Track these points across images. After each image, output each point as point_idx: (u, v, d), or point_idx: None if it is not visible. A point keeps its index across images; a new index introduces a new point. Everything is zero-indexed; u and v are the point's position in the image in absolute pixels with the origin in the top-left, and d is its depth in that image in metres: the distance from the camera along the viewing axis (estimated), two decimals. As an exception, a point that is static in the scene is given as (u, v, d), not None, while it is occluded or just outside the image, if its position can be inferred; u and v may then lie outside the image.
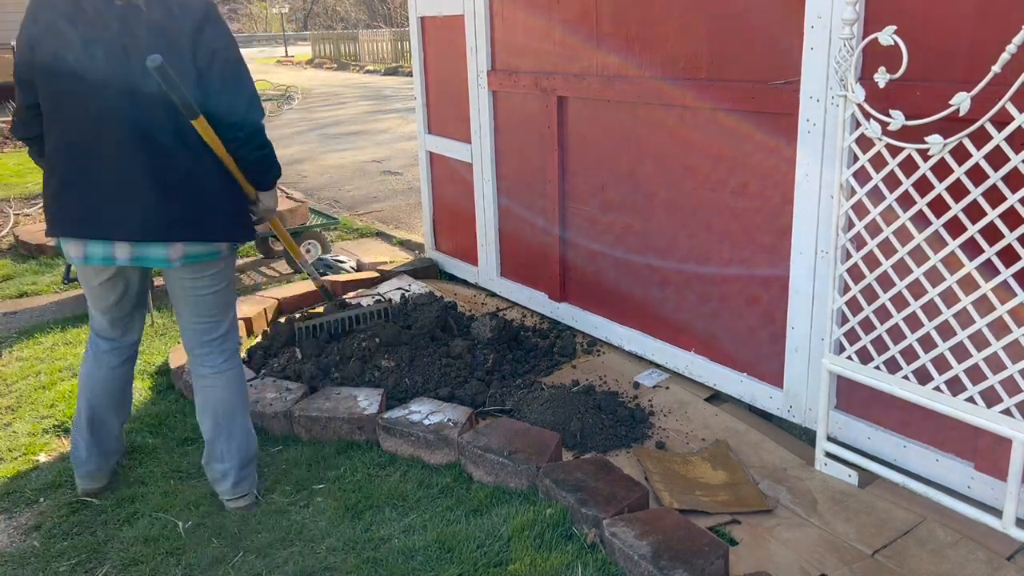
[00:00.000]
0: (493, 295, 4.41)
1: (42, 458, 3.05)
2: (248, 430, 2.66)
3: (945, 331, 2.33)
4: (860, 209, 2.46)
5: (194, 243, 2.41)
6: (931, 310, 2.34)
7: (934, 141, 2.15)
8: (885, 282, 2.43)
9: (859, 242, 2.52)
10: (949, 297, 2.26)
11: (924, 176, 2.24)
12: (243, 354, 3.72)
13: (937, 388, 2.33)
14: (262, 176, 2.55)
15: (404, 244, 5.95)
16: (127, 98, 2.27)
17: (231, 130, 2.36)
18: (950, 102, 2.08)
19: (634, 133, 3.33)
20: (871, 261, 2.46)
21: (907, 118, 2.20)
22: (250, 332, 4.06)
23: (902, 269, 2.37)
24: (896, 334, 2.44)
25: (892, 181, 2.35)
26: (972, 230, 2.14)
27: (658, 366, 3.43)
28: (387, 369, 3.34)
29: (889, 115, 2.22)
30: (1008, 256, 2.09)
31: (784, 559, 2.27)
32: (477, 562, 2.30)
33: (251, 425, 2.70)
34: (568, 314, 3.86)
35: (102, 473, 2.75)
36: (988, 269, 2.13)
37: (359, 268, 5.18)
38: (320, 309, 4.24)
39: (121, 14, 2.25)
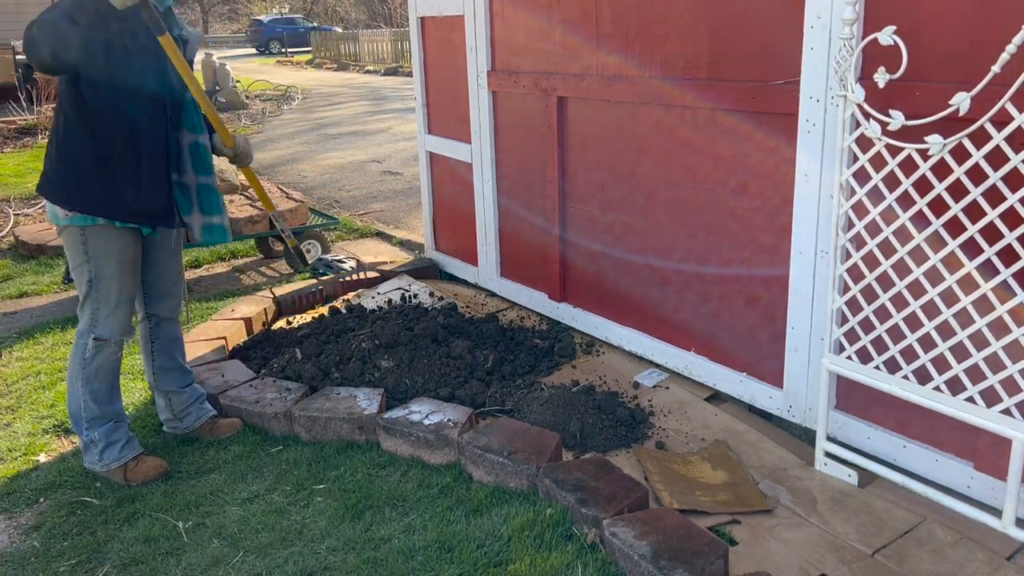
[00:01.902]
0: (493, 295, 4.41)
1: (42, 458, 3.05)
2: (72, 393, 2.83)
3: (945, 331, 2.33)
4: (860, 209, 2.46)
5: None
6: (931, 310, 2.34)
7: (934, 141, 2.15)
8: (885, 282, 2.43)
9: (859, 242, 2.52)
10: (949, 297, 2.26)
11: (924, 176, 2.24)
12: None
13: (937, 388, 2.33)
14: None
15: (404, 244, 5.95)
16: None
17: None
18: (950, 102, 2.09)
19: (634, 133, 3.33)
20: (871, 261, 2.46)
21: (907, 118, 2.20)
22: (250, 332, 4.06)
23: (902, 269, 2.37)
24: (896, 334, 2.44)
25: (892, 181, 2.35)
26: (972, 230, 2.14)
27: (658, 366, 3.43)
28: (387, 369, 3.34)
29: (889, 115, 2.23)
30: (1008, 256, 2.09)
31: (784, 559, 2.27)
32: (477, 562, 2.30)
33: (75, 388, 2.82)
34: (568, 314, 3.86)
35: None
36: (988, 269, 2.13)
37: (359, 268, 5.18)
38: (322, 311, 4.24)
39: None
